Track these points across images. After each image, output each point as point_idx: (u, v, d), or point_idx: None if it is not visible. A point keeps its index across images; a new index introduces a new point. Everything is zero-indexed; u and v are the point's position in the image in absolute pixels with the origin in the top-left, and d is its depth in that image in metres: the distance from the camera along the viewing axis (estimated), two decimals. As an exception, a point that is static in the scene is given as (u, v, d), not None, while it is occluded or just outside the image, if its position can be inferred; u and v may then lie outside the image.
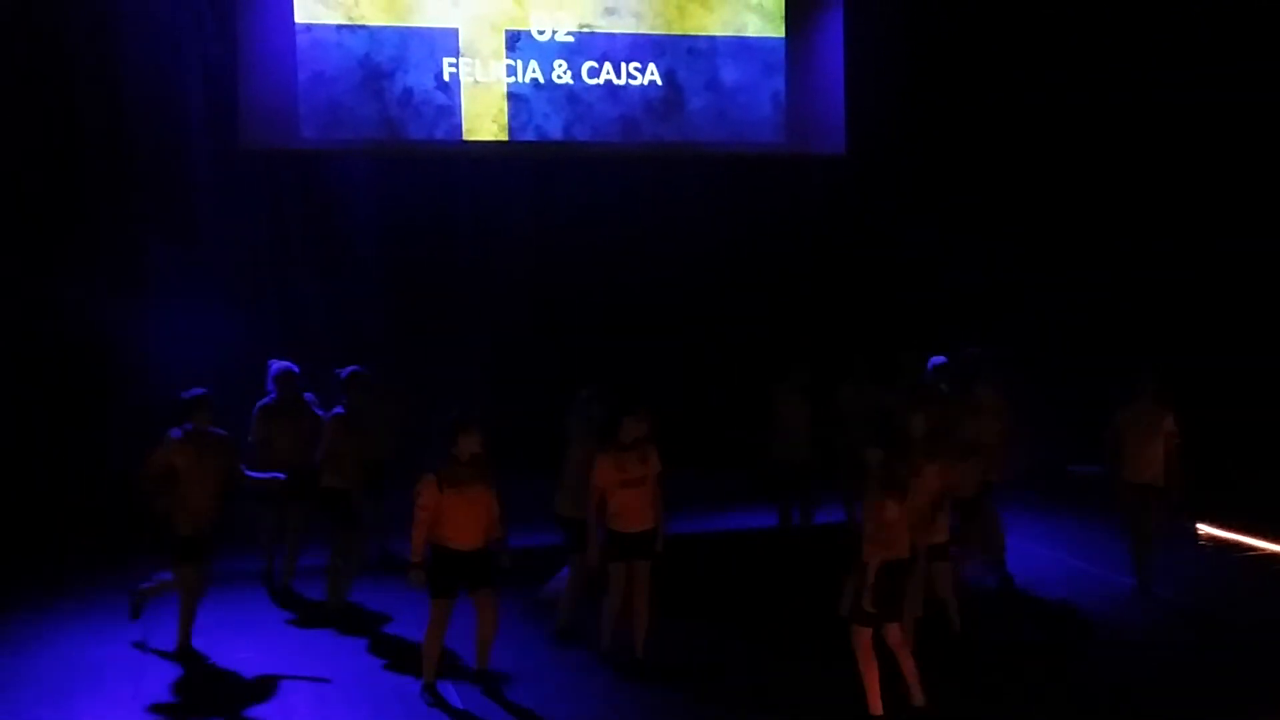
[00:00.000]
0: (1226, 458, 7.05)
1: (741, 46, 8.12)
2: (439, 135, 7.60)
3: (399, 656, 4.97)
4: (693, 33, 8.03)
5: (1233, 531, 6.44)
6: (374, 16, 7.45)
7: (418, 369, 7.38)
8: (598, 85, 7.87)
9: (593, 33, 7.83)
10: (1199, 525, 6.56)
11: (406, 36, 7.52)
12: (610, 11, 7.84)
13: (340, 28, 7.40)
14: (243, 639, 5.17)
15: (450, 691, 4.57)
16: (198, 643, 5.01)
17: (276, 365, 5.83)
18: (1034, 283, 8.28)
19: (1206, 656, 4.90)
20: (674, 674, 4.78)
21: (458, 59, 7.61)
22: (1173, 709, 4.39)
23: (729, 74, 8.09)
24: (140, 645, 5.09)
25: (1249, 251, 7.58)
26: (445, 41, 7.60)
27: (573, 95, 7.82)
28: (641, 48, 7.94)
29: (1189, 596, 5.62)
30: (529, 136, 7.76)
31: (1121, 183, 8.18)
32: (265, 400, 5.82)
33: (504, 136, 7.72)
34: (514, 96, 7.72)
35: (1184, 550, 6.29)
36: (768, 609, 5.56)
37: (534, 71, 7.74)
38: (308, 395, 5.90)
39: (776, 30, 8.20)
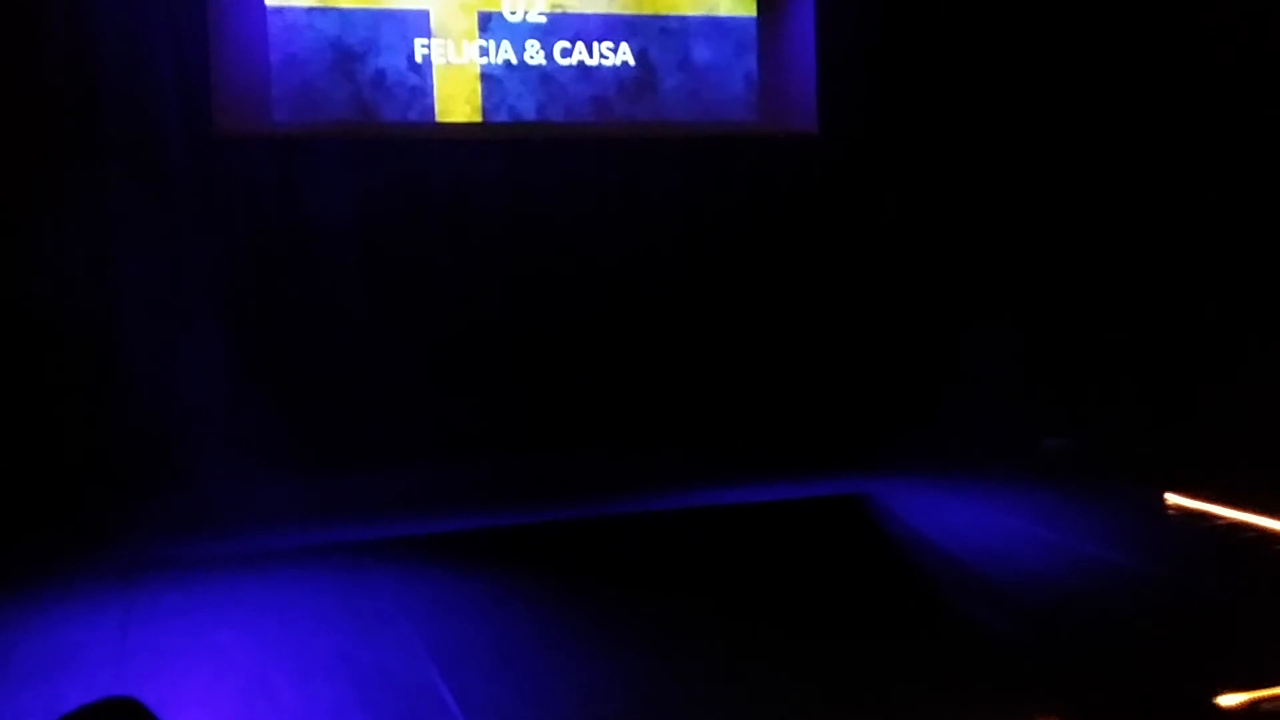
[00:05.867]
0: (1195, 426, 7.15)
1: (714, 26, 8.15)
2: (412, 117, 7.60)
3: (380, 633, 5.00)
4: (664, 12, 8.05)
5: (1200, 500, 6.52)
6: (345, -2, 7.45)
7: (395, 350, 7.42)
8: (570, 66, 7.89)
9: (565, 13, 7.84)
10: (1167, 495, 6.64)
11: (378, 18, 7.51)
12: (582, -9, 7.86)
13: (311, 10, 7.38)
14: (222, 620, 5.19)
15: (443, 688, 4.60)
16: (176, 625, 5.04)
17: None
18: (1009, 257, 8.35)
19: (1180, 629, 4.97)
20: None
21: (430, 40, 7.61)
22: (1149, 680, 4.46)
23: (701, 53, 8.12)
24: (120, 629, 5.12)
25: (1240, 226, 7.65)
26: (417, 23, 7.59)
27: (546, 76, 7.84)
28: (614, 28, 7.96)
29: (1160, 567, 5.70)
30: (502, 117, 7.77)
31: (1102, 155, 8.24)
32: None
33: (477, 118, 7.73)
34: (487, 77, 7.73)
35: (1152, 521, 6.38)
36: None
37: (506, 52, 7.75)
38: None
39: (748, 9, 8.23)
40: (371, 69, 7.50)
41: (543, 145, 7.92)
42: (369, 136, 7.57)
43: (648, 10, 8.02)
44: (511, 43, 7.75)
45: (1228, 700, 4.15)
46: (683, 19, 8.08)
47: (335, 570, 5.69)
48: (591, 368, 7.80)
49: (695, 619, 5.17)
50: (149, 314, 6.91)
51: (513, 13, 7.74)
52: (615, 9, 7.95)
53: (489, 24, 7.70)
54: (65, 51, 6.98)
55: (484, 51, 7.70)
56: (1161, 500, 6.65)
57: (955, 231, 8.33)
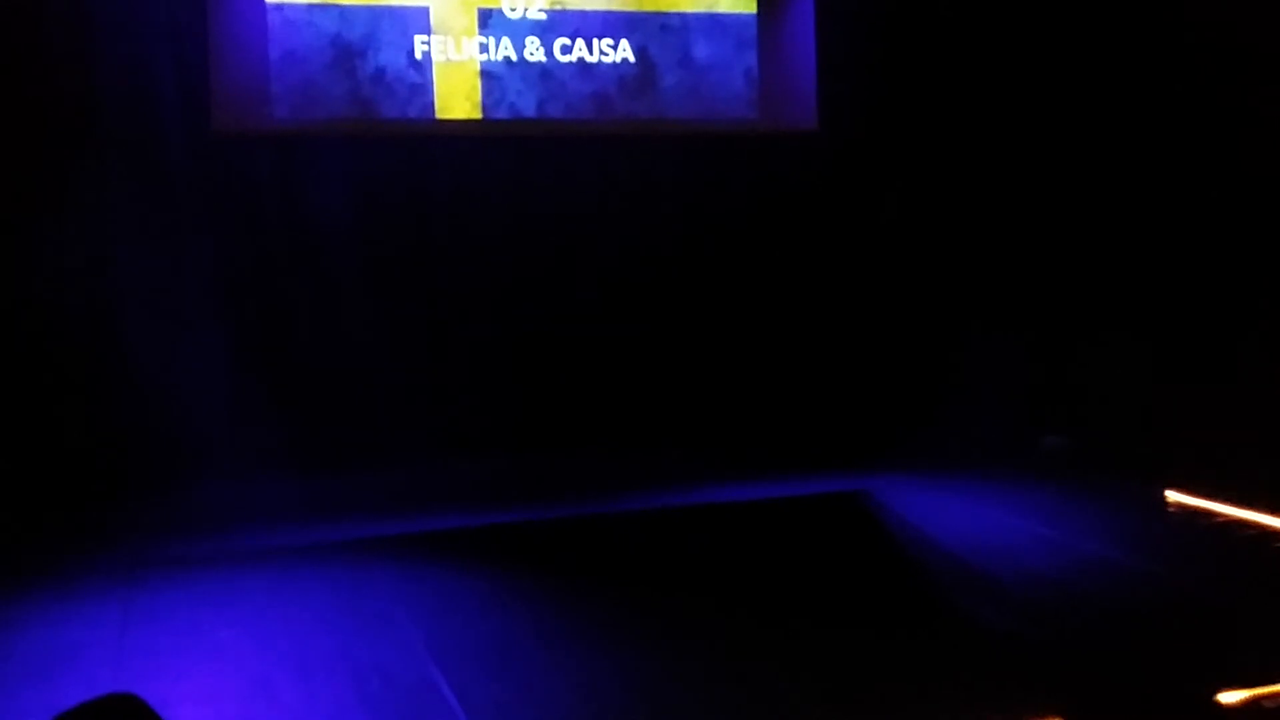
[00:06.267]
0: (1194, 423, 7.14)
1: (714, 23, 8.14)
2: (412, 114, 7.59)
3: (379, 632, 5.00)
4: (665, 9, 8.04)
5: (1200, 498, 6.52)
6: (345, -5, 7.44)
7: (395, 347, 7.41)
8: (570, 63, 7.88)
9: (565, 10, 7.83)
10: (1167, 492, 6.64)
11: (378, 15, 7.50)
12: (582, -12, 7.86)
13: (311, 7, 7.38)
14: (222, 618, 5.19)
15: (443, 686, 4.59)
16: (177, 623, 5.03)
17: None
18: (1009, 255, 8.34)
19: (1181, 626, 4.97)
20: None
21: (429, 37, 7.60)
22: (1151, 677, 4.46)
23: (701, 50, 8.11)
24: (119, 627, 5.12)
25: (1240, 225, 7.64)
26: (417, 19, 7.58)
27: (546, 72, 7.83)
28: (614, 25, 7.95)
29: (1161, 565, 5.70)
30: (502, 114, 7.77)
31: (1102, 154, 8.23)
32: None
33: (477, 114, 7.72)
34: (487, 74, 7.72)
35: (1153, 519, 6.38)
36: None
37: (506, 49, 7.74)
38: None
39: (748, 6, 8.23)
40: (371, 66, 7.50)
41: (543, 142, 7.91)
42: (369, 133, 7.56)
43: (648, 7, 8.01)
44: (511, 39, 7.74)
45: (1229, 697, 4.14)
46: (683, 16, 8.07)
47: (336, 569, 5.68)
48: (592, 365, 7.79)
49: (696, 617, 5.16)
50: (149, 312, 6.91)
51: (513, 9, 7.73)
52: (615, 6, 7.94)
53: (489, 21, 7.69)
54: (65, 50, 6.97)
55: (484, 48, 7.69)
56: (1162, 498, 6.65)
57: (955, 229, 8.32)
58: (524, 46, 7.75)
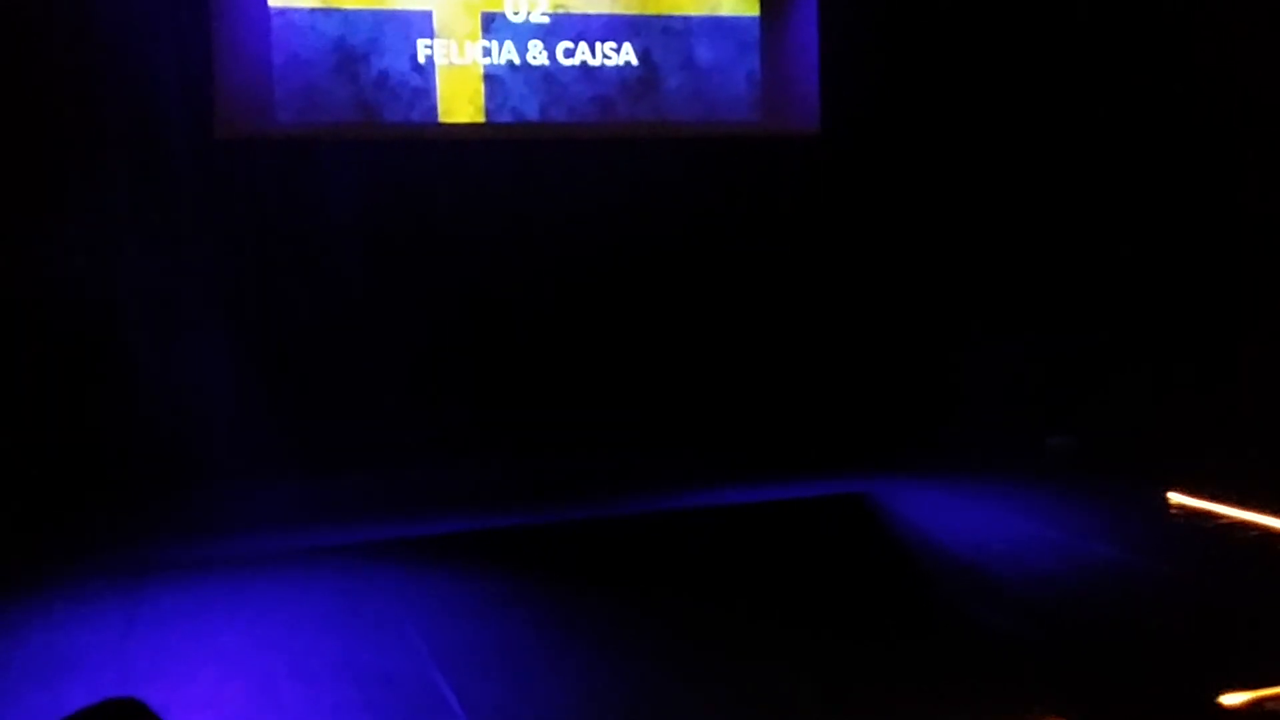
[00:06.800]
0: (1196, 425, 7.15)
1: (716, 26, 8.15)
2: (415, 118, 7.61)
3: (384, 635, 5.01)
4: (667, 12, 8.05)
5: (1203, 499, 6.51)
6: (348, -1, 7.45)
7: (398, 350, 7.42)
8: (573, 66, 7.89)
9: (568, 13, 7.85)
10: (1170, 494, 6.64)
11: (381, 19, 7.52)
12: (585, -9, 7.87)
13: (314, 11, 7.39)
14: (225, 622, 5.20)
15: (446, 689, 4.60)
16: (180, 627, 5.04)
17: None
18: (1013, 256, 8.34)
19: (1184, 628, 4.96)
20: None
21: (433, 41, 7.61)
22: (1154, 679, 4.45)
23: (704, 53, 8.12)
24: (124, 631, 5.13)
25: (1244, 224, 7.63)
26: (420, 24, 7.60)
27: (549, 76, 7.84)
28: (617, 28, 7.96)
29: (1163, 566, 5.70)
30: (506, 118, 7.78)
31: (1104, 155, 8.23)
32: None
33: (481, 118, 7.73)
34: (490, 78, 7.73)
35: (1156, 520, 6.37)
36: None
37: (510, 53, 7.75)
38: None
39: (751, 9, 8.23)
40: (375, 70, 7.51)
41: (546, 145, 7.93)
42: (372, 138, 7.58)
43: (650, 10, 8.02)
44: (514, 43, 7.75)
45: (1231, 699, 4.14)
46: (685, 19, 8.08)
47: (339, 572, 5.69)
48: (595, 368, 7.80)
49: (699, 619, 5.17)
50: (153, 317, 6.92)
51: (515, 13, 7.75)
52: (618, 9, 7.95)
53: (492, 24, 7.71)
54: (68, 55, 6.99)
55: (487, 52, 7.70)
56: (1165, 499, 6.64)
57: (958, 231, 8.32)
58: (527, 50, 7.76)
